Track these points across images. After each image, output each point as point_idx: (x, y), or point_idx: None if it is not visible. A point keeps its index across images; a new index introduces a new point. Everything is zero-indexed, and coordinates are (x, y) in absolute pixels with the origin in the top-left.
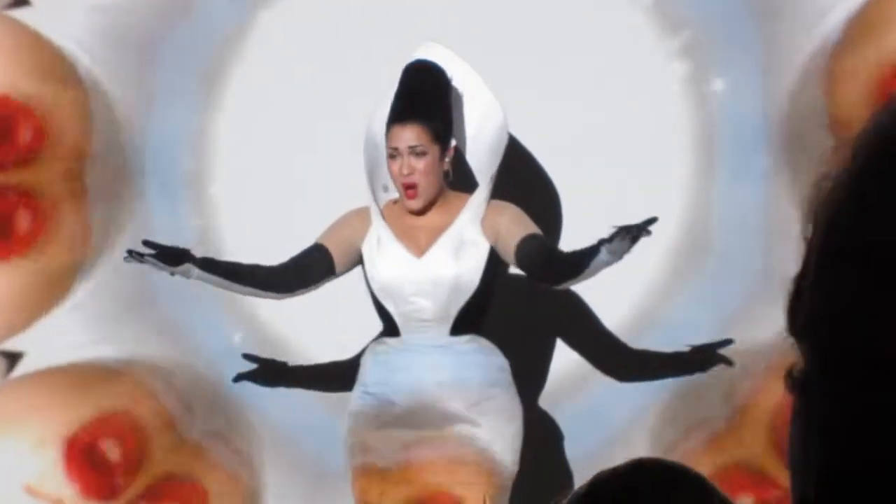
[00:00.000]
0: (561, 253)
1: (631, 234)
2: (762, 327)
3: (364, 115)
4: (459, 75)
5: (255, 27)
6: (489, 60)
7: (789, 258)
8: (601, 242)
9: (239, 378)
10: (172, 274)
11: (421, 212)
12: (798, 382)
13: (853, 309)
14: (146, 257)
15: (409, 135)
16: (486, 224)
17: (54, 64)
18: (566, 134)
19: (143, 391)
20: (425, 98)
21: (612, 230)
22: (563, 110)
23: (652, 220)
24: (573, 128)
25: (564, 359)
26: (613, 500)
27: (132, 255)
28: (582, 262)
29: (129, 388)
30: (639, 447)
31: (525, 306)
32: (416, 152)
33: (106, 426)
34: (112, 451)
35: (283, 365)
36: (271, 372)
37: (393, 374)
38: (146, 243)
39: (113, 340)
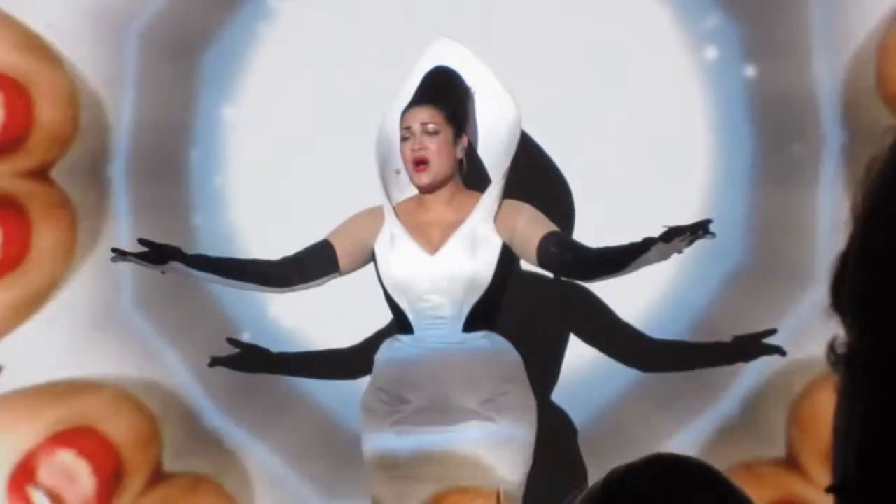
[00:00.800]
0: (591, 249)
1: (695, 236)
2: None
3: (378, 112)
4: (474, 72)
5: (271, 21)
6: (504, 49)
7: (815, 251)
8: (650, 241)
9: (214, 363)
10: (163, 273)
11: (429, 189)
12: (843, 359)
13: None
14: (130, 256)
15: (423, 114)
16: (500, 221)
17: (34, 42)
18: (581, 128)
19: (117, 408)
20: (440, 88)
21: (662, 229)
22: (579, 104)
23: (708, 221)
24: (589, 121)
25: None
26: (630, 498)
27: (117, 254)
28: (624, 260)
29: (103, 403)
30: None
31: (538, 302)
32: (428, 130)
33: (70, 440)
34: (80, 466)
35: (265, 351)
36: (250, 358)
37: (406, 371)
38: (141, 241)
39: (91, 356)
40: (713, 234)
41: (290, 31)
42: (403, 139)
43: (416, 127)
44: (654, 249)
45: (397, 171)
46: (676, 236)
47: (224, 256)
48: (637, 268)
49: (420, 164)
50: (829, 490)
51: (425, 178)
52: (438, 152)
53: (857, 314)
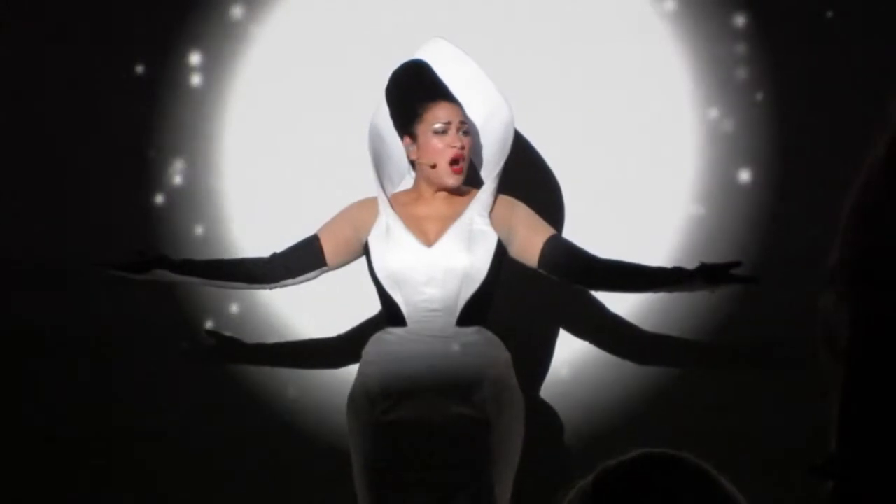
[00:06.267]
0: (603, 261)
1: (742, 283)
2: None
3: (369, 109)
4: (466, 72)
5: (264, 20)
6: (497, 47)
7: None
8: (682, 273)
9: (103, 265)
10: (147, 281)
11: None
12: (843, 351)
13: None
14: (110, 269)
15: (460, 113)
16: (496, 217)
17: None
18: (573, 128)
19: None
20: (446, 88)
21: (697, 264)
22: (571, 104)
23: (736, 264)
24: (581, 121)
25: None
26: (620, 494)
27: (99, 266)
28: (645, 284)
29: None
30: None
31: (527, 298)
32: (465, 131)
33: None
34: None
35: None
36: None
37: (396, 364)
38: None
39: None
40: (759, 285)
41: (282, 31)
42: (438, 132)
43: (456, 122)
44: (687, 285)
45: (391, 180)
46: (719, 277)
47: (211, 259)
48: (654, 293)
49: (456, 163)
50: (812, 471)
51: (457, 179)
52: (467, 154)
53: (850, 284)
